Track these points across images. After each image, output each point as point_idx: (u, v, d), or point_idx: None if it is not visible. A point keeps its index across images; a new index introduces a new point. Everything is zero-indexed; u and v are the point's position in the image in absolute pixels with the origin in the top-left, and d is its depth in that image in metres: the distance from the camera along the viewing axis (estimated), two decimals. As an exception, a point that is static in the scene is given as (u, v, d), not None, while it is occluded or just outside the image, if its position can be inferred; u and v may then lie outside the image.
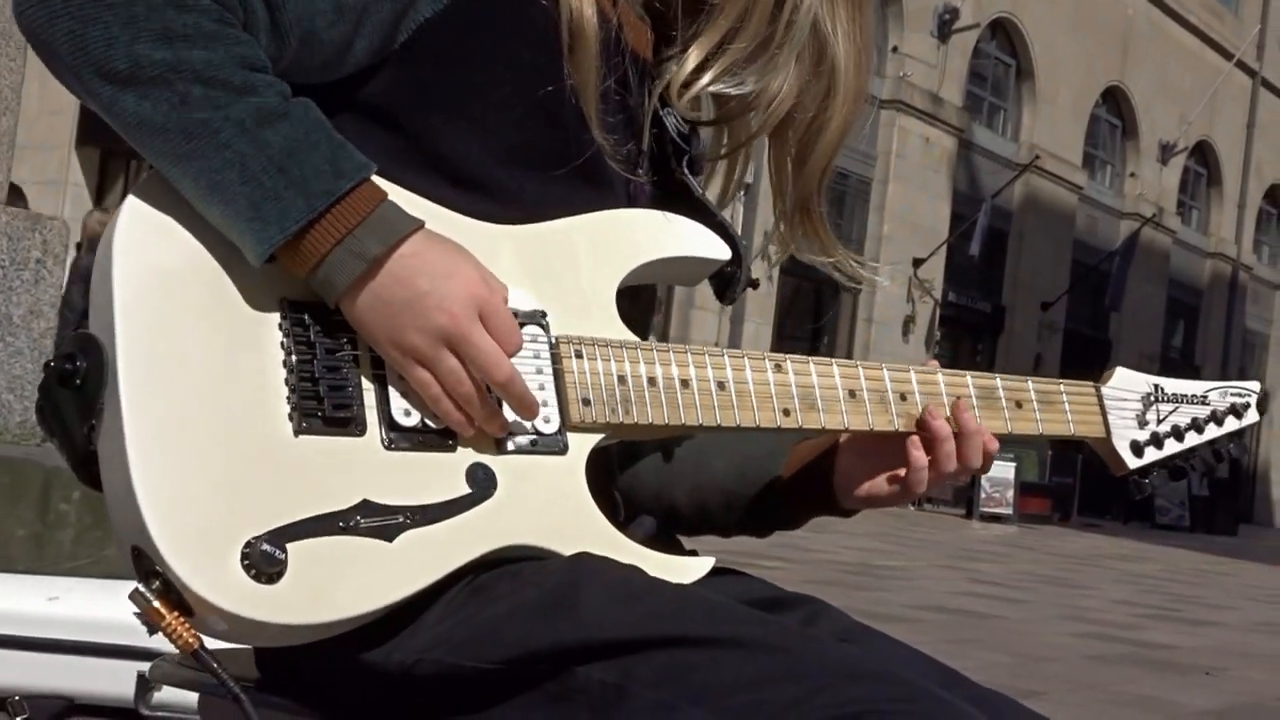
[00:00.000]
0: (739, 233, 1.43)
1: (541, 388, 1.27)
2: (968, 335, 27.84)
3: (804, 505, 1.50)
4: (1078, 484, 25.38)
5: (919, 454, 1.41)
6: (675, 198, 1.43)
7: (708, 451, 1.53)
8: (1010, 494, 21.91)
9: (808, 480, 1.49)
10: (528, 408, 1.24)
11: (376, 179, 1.20)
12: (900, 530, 15.54)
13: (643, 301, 1.45)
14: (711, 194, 1.47)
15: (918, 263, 24.57)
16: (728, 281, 1.43)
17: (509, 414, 1.24)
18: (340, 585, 1.15)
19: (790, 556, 9.75)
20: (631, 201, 1.40)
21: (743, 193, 1.53)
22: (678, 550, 1.37)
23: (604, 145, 1.32)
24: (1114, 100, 31.45)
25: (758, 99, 1.39)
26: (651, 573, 1.24)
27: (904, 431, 1.41)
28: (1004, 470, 21.66)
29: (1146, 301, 31.89)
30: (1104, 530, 23.07)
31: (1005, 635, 7.10)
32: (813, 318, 23.94)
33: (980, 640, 6.78)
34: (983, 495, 21.71)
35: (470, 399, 1.21)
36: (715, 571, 1.32)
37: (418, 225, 1.20)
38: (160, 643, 1.13)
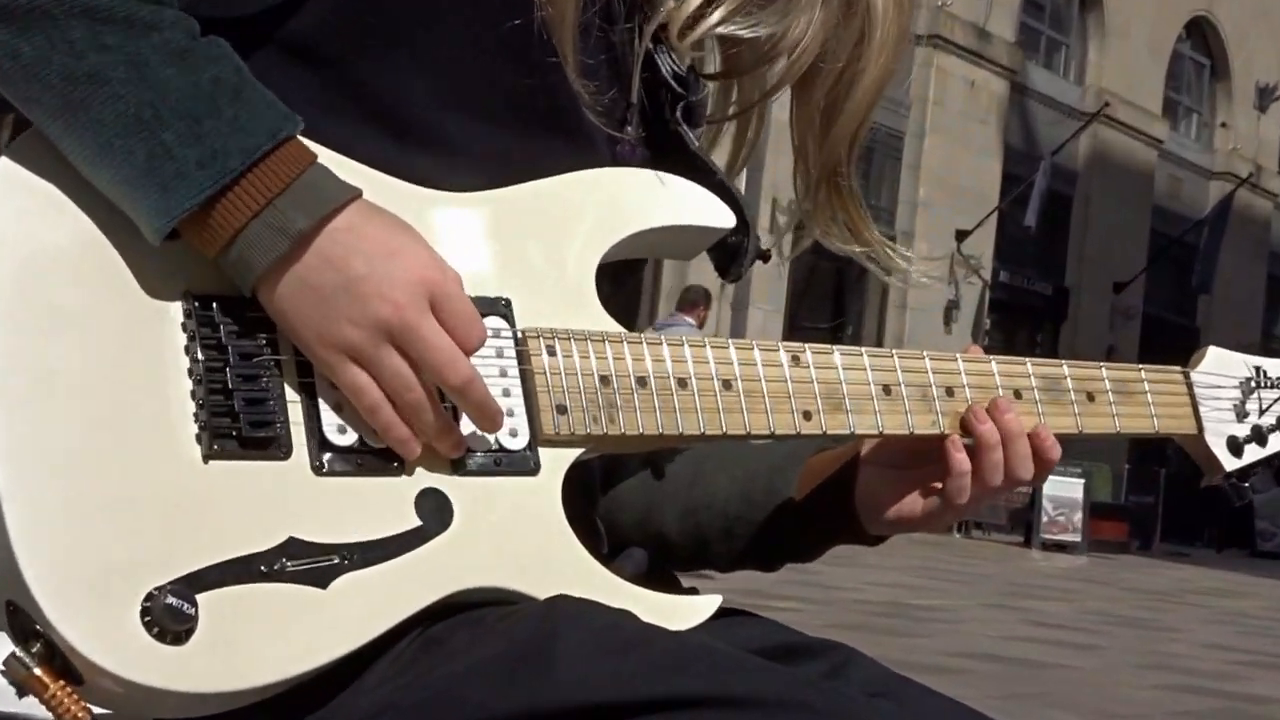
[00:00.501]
0: (744, 195, 1.42)
1: (506, 393, 1.26)
2: (1024, 323, 27.93)
3: (821, 532, 1.50)
4: (1160, 504, 25.40)
5: (960, 456, 1.40)
6: (668, 156, 1.43)
7: (704, 466, 1.53)
8: (1078, 517, 21.89)
9: (825, 502, 1.49)
10: (489, 418, 1.23)
11: (304, 138, 1.19)
12: (942, 562, 15.54)
13: (630, 283, 1.44)
14: (717, 161, 1.46)
15: (961, 235, 24.56)
16: (732, 254, 1.43)
17: (466, 426, 1.24)
18: (263, 644, 1.14)
19: (808, 596, 9.75)
20: (617, 162, 1.39)
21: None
22: (675, 588, 1.37)
23: (581, 92, 1.32)
24: (1200, 34, 31.54)
25: (775, 46, 1.40)
26: (645, 617, 1.23)
27: (953, 436, 1.41)
28: (1070, 489, 21.60)
29: (1242, 279, 32.00)
30: (1193, 560, 23.16)
31: (1073, 689, 7.14)
32: (833, 304, 23.80)
33: (1042, 695, 6.80)
34: (1044, 519, 21.67)
35: (419, 408, 1.20)
36: (720, 614, 1.32)
37: (353, 194, 1.20)
38: (33, 707, 1.12)
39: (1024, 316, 27.95)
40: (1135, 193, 29.20)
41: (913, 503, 1.45)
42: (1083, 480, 21.76)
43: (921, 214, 24.28)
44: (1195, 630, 11.19)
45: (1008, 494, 1.44)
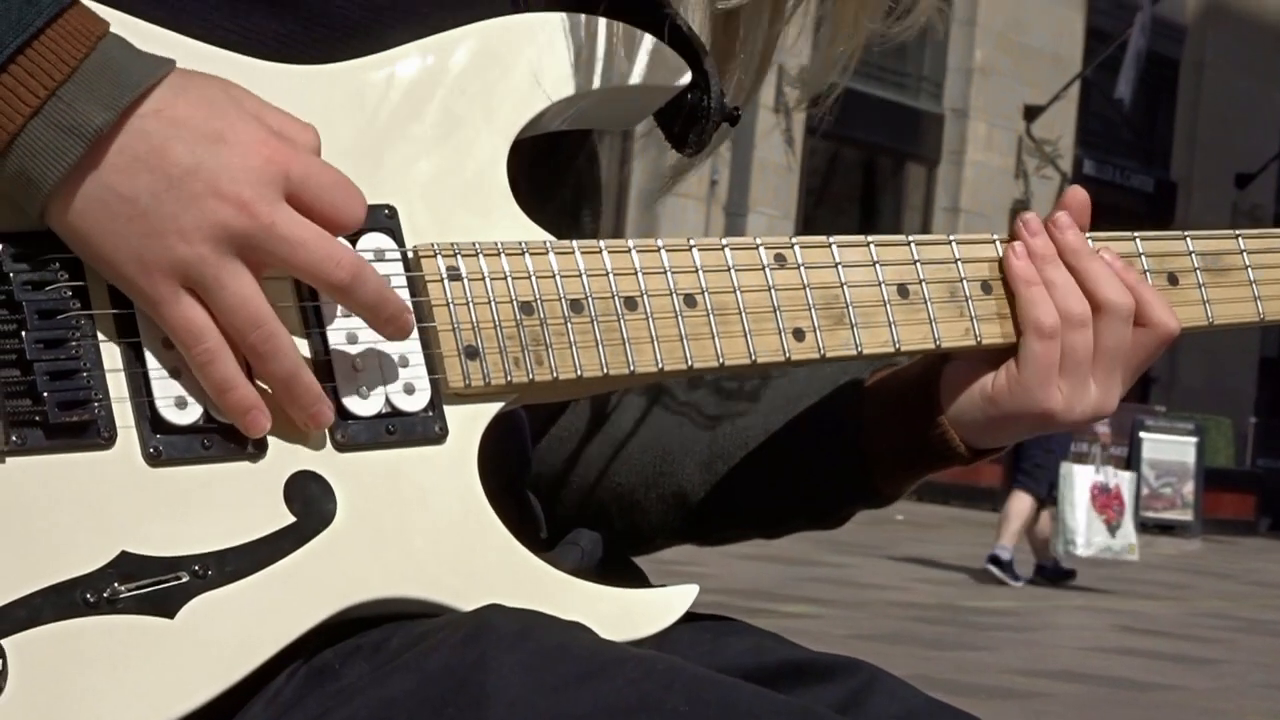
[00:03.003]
0: (702, 39, 1.29)
1: None
2: (1116, 229, 26.79)
3: (902, 454, 1.36)
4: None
5: (1023, 264, 1.29)
6: None
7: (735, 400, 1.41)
8: (1189, 488, 19.16)
9: (904, 421, 1.35)
10: (392, 318, 1.13)
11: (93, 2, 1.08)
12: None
13: (559, 164, 1.36)
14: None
15: (1033, 113, 22.35)
16: (689, 116, 1.31)
17: (346, 377, 1.13)
18: (97, 698, 1.05)
19: (828, 596, 9.54)
20: (521, 6, 1.29)
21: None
22: (635, 580, 1.28)
23: None
24: None
25: None
26: (600, 624, 1.15)
27: (994, 345, 1.29)
28: (1179, 450, 18.67)
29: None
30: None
31: (1182, 716, 6.84)
32: (861, 206, 20.98)
33: (1142, 726, 6.58)
34: (1144, 491, 18.23)
35: (272, 352, 1.09)
36: (702, 621, 1.26)
37: (166, 69, 1.09)
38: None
39: (1116, 220, 26.86)
40: (1265, 54, 26.59)
41: (998, 377, 1.31)
42: (1195, 439, 18.93)
43: (979, 85, 21.65)
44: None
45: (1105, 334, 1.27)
